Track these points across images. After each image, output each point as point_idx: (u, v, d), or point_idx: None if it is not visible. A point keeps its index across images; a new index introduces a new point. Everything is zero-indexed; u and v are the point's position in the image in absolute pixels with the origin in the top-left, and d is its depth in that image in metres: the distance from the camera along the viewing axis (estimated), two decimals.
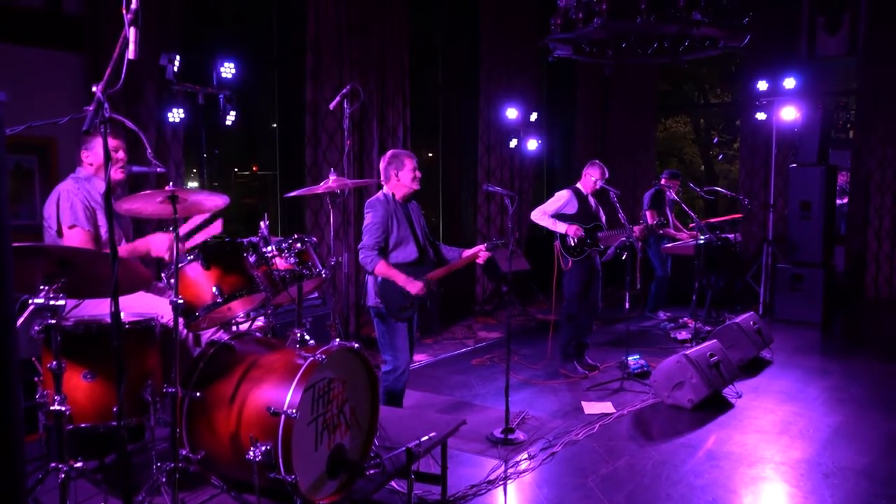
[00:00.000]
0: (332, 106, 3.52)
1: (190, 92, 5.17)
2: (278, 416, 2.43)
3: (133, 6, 2.20)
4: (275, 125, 7.18)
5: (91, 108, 1.95)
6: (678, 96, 16.69)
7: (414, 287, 4.04)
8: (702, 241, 7.47)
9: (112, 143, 3.11)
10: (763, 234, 9.07)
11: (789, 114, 8.18)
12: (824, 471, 4.01)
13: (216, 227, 3.19)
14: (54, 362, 2.19)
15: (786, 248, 8.25)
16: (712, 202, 11.89)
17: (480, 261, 4.32)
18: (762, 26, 9.48)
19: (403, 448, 2.97)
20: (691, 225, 7.55)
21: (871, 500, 3.66)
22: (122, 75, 2.07)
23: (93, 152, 3.11)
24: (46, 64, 5.00)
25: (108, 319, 2.58)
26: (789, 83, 8.28)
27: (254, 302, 2.80)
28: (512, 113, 8.49)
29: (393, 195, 4.15)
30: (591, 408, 5.06)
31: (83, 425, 2.53)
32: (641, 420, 4.85)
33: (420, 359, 6.43)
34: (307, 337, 2.73)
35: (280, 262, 2.80)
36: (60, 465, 2.20)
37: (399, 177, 4.11)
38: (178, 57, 4.96)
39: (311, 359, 2.54)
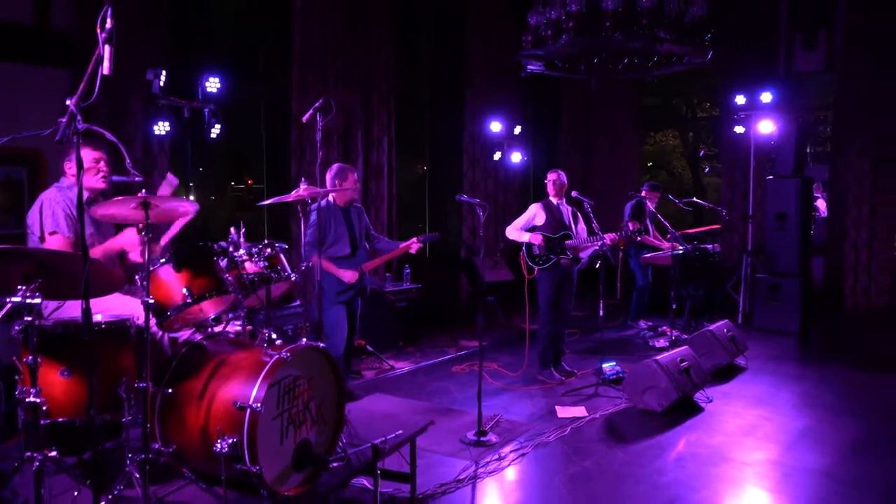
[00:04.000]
0: (304, 118, 3.69)
1: (176, 106, 5.32)
2: (244, 410, 2.57)
3: (108, 25, 2.36)
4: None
5: (64, 120, 2.10)
6: (666, 110, 16.93)
7: (347, 275, 4.97)
8: (680, 252, 7.66)
9: (94, 154, 3.29)
10: (743, 245, 9.23)
11: (766, 127, 8.39)
12: (785, 471, 4.14)
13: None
14: (30, 357, 2.33)
15: (764, 258, 8.41)
16: (700, 214, 12.08)
17: (413, 250, 5.14)
18: (741, 42, 9.72)
19: (369, 444, 3.11)
20: (668, 236, 7.72)
21: (829, 498, 3.80)
22: (96, 90, 2.23)
23: (74, 163, 3.25)
24: (36, 79, 5.16)
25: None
26: (766, 97, 8.49)
27: (224, 303, 2.95)
28: (496, 126, 8.68)
29: (335, 201, 5.06)
30: (565, 412, 5.20)
31: (60, 420, 2.67)
32: (612, 423, 4.99)
33: (401, 366, 6.57)
34: (274, 336, 2.87)
35: (250, 266, 2.95)
36: (35, 455, 2.33)
37: (341, 187, 4.97)
38: (164, 72, 5.12)
39: (277, 356, 2.68)
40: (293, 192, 3.35)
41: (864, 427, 4.90)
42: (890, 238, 9.18)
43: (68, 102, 2.13)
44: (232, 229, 2.93)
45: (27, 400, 2.31)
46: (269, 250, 2.99)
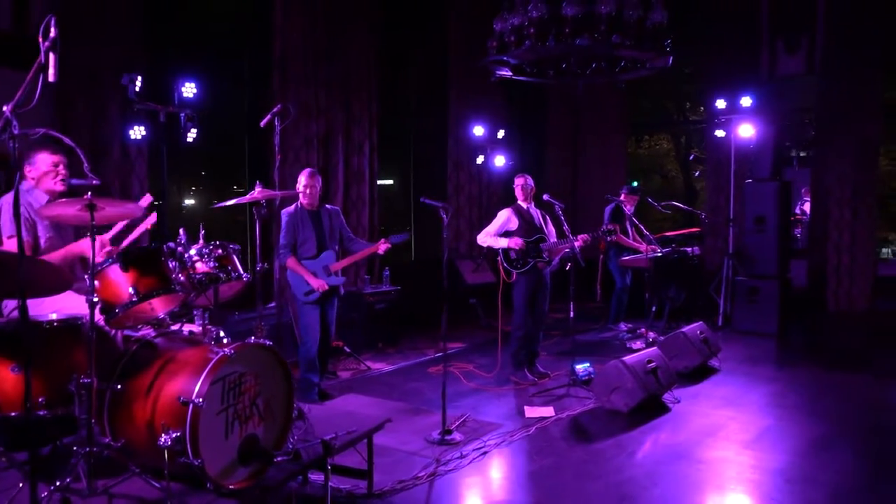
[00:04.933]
0: (262, 123, 3.79)
1: (152, 111, 5.42)
2: (187, 406, 2.66)
3: (51, 34, 2.46)
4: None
5: None
6: (658, 113, 17.01)
7: (315, 282, 5.16)
8: (659, 255, 7.76)
9: (53, 157, 3.39)
10: (726, 248, 9.31)
11: (746, 131, 8.47)
12: (739, 469, 4.20)
13: (150, 220, 3.43)
14: None
15: (743, 261, 8.49)
16: (691, 217, 12.16)
17: (380, 251, 5.36)
18: (725, 46, 9.83)
19: (318, 440, 3.20)
20: (655, 237, 7.84)
21: (776, 495, 3.86)
22: (37, 96, 2.33)
23: (34, 167, 3.37)
24: (15, 84, 5.25)
25: (41, 318, 2.85)
26: (745, 101, 8.58)
27: (174, 302, 3.04)
28: (479, 130, 8.78)
29: (301, 205, 5.31)
30: (533, 412, 5.27)
31: (12, 414, 2.76)
32: (577, 423, 5.06)
33: (379, 367, 6.65)
34: (222, 334, 2.96)
35: (200, 266, 3.04)
36: None
37: (299, 191, 5.29)
38: (139, 77, 5.23)
39: (221, 353, 2.77)
40: (248, 195, 3.44)
41: (825, 427, 4.96)
42: (871, 241, 9.26)
43: (4, 108, 2.22)
44: (181, 230, 3.02)
45: None
46: (220, 251, 3.08)
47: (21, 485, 2.59)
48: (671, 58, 4.70)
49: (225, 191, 9.71)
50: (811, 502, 3.74)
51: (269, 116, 3.78)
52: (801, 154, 12.11)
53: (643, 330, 7.82)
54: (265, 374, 3.01)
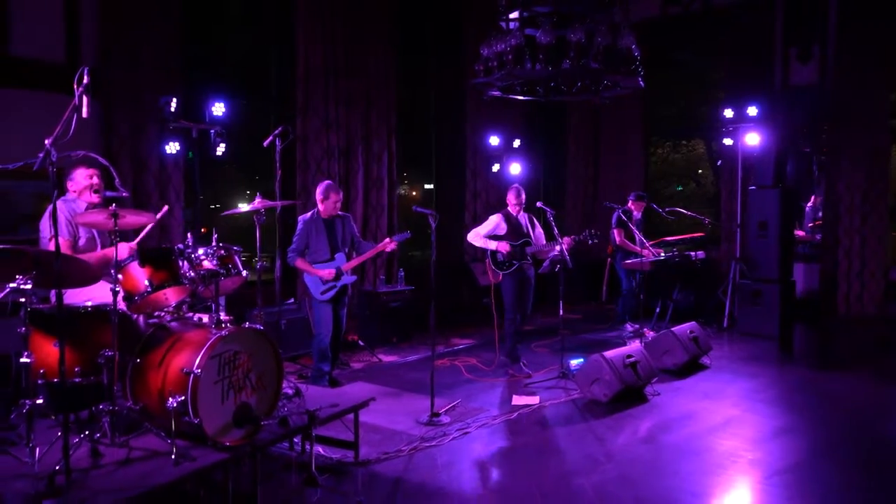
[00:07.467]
0: (265, 143, 4.42)
1: (185, 128, 6.17)
2: (189, 375, 3.30)
3: (85, 80, 3.14)
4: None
5: (41, 155, 2.87)
6: (689, 119, 17.17)
7: (324, 272, 5.74)
8: (662, 258, 8.17)
9: (89, 171, 4.10)
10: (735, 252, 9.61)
11: (753, 139, 8.80)
12: (690, 450, 4.64)
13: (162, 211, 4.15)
14: (23, 328, 3.12)
15: (748, 265, 8.79)
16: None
17: (388, 249, 5.93)
18: (738, 55, 10.13)
19: (304, 410, 3.81)
20: (652, 243, 8.25)
21: (715, 471, 4.30)
22: (72, 129, 3.00)
23: (74, 181, 4.07)
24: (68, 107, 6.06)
25: (79, 305, 3.54)
26: (752, 111, 8.90)
27: (184, 292, 3.71)
28: (494, 140, 9.34)
29: (318, 213, 5.77)
30: (519, 400, 5.79)
31: (55, 380, 3.44)
32: (557, 410, 5.55)
33: (390, 360, 7.26)
34: (223, 319, 3.59)
35: (206, 264, 3.69)
36: (26, 401, 3.13)
37: (323, 203, 5.76)
38: (174, 99, 5.99)
39: (218, 334, 3.41)
40: (250, 204, 4.09)
41: (790, 418, 5.33)
42: (882, 247, 9.42)
43: (46, 141, 2.90)
44: (188, 234, 3.68)
45: (21, 360, 3.09)
46: (222, 251, 3.73)
47: (59, 433, 3.26)
48: (641, 79, 5.16)
49: (267, 197, 10.50)
50: (751, 479, 4.19)
51: (270, 138, 4.41)
52: (823, 159, 12.25)
53: (646, 330, 8.22)
54: (258, 353, 3.64)
